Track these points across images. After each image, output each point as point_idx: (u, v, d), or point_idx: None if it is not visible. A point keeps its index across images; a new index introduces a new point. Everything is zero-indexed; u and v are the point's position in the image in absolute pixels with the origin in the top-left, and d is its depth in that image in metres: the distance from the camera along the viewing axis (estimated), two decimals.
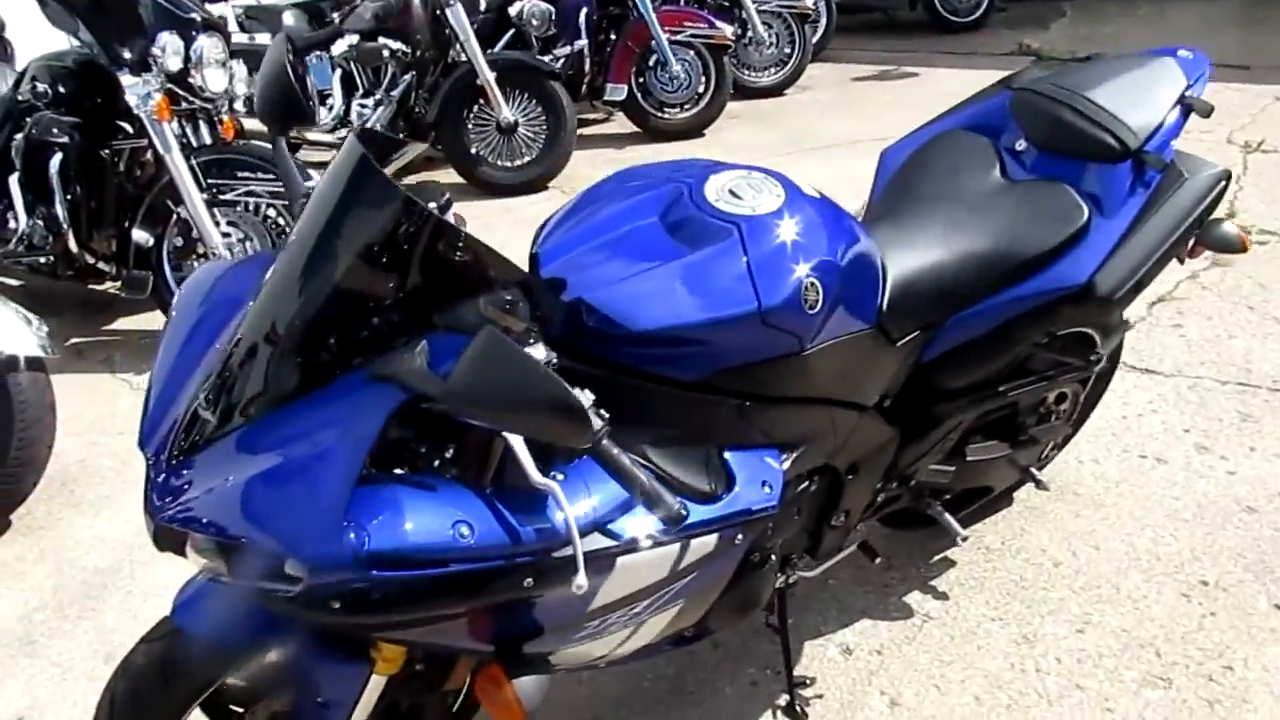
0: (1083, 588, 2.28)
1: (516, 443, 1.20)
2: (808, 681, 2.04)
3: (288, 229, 3.58)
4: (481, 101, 5.08)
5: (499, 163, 5.20)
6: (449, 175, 5.28)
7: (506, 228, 4.79)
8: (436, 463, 1.31)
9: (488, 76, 4.89)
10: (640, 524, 1.33)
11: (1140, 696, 1.99)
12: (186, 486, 1.23)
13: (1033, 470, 2.26)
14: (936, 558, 2.41)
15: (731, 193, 1.49)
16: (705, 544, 1.41)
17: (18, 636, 2.39)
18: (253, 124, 4.13)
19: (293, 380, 1.22)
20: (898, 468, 1.93)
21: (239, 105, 3.75)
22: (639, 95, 5.81)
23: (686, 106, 5.90)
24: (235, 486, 1.17)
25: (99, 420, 3.29)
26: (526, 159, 5.22)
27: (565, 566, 1.25)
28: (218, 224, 3.49)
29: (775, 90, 6.64)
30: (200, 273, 1.51)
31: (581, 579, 1.18)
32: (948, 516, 2.08)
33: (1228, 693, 1.98)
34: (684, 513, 1.26)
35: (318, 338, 1.22)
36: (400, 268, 1.20)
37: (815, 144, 5.65)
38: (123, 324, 4.04)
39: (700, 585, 1.48)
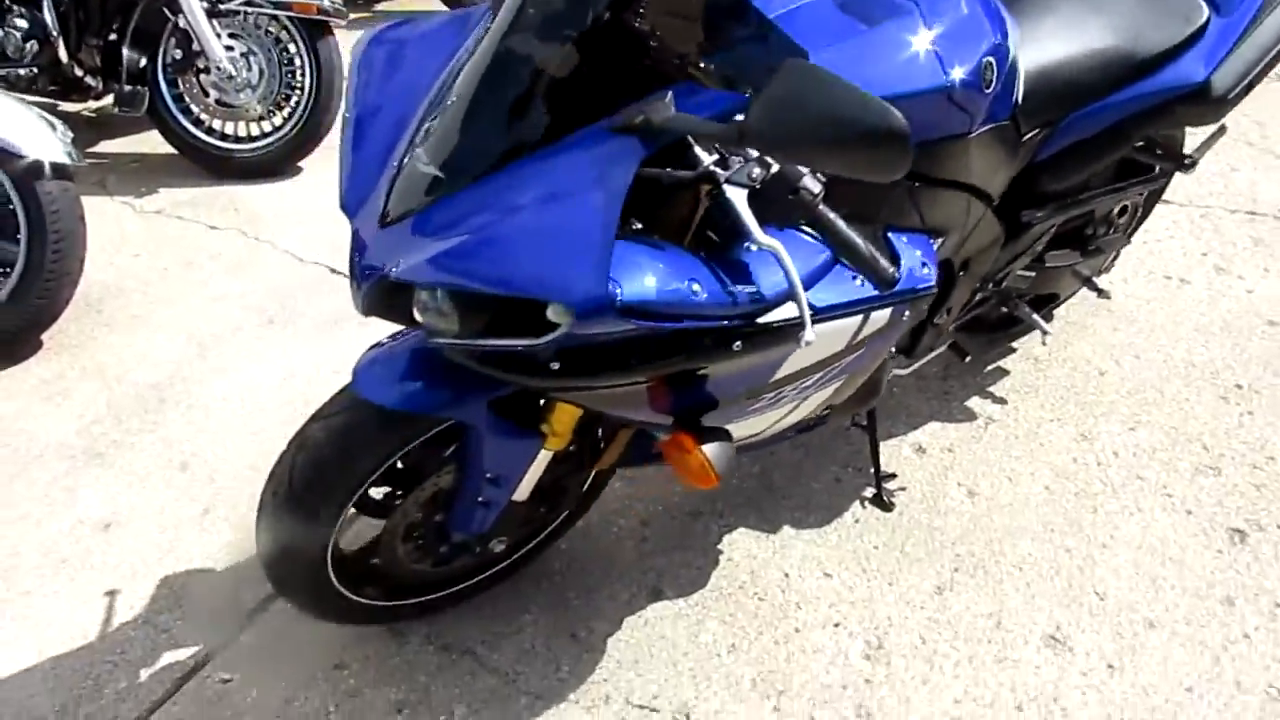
0: (1129, 392, 2.42)
1: (739, 202, 1.19)
2: (892, 475, 2.15)
3: (293, 44, 3.39)
4: None
5: None
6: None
7: None
8: (637, 226, 1.30)
9: None
10: (833, 292, 1.36)
11: (1195, 483, 2.15)
12: (413, 244, 1.20)
13: (1094, 279, 2.36)
14: (989, 367, 2.52)
15: None
16: (880, 318, 1.44)
17: (81, 449, 2.34)
18: None
19: (527, 134, 1.19)
20: (994, 269, 1.99)
21: None
22: None
23: None
24: (481, 239, 1.15)
25: (110, 242, 3.15)
26: None
27: (775, 329, 1.27)
28: (219, 36, 3.28)
29: None
30: (380, 32, 1.44)
31: (810, 333, 1.20)
32: (1035, 316, 2.16)
33: (1272, 478, 2.16)
34: (897, 276, 1.29)
35: (554, 90, 1.19)
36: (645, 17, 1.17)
37: None
38: (111, 146, 3.81)
39: (862, 362, 1.53)
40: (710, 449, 1.38)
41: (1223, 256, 2.96)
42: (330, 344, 2.66)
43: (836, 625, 1.87)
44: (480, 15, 1.36)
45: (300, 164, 3.55)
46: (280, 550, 1.54)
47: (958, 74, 1.39)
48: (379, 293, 1.27)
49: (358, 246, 1.27)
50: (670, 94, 1.15)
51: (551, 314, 1.12)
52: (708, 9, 1.20)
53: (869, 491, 2.15)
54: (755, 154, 1.19)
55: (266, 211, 3.32)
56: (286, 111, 3.47)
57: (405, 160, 1.25)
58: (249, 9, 3.27)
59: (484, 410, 1.46)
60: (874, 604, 1.91)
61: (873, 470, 2.11)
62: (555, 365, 1.24)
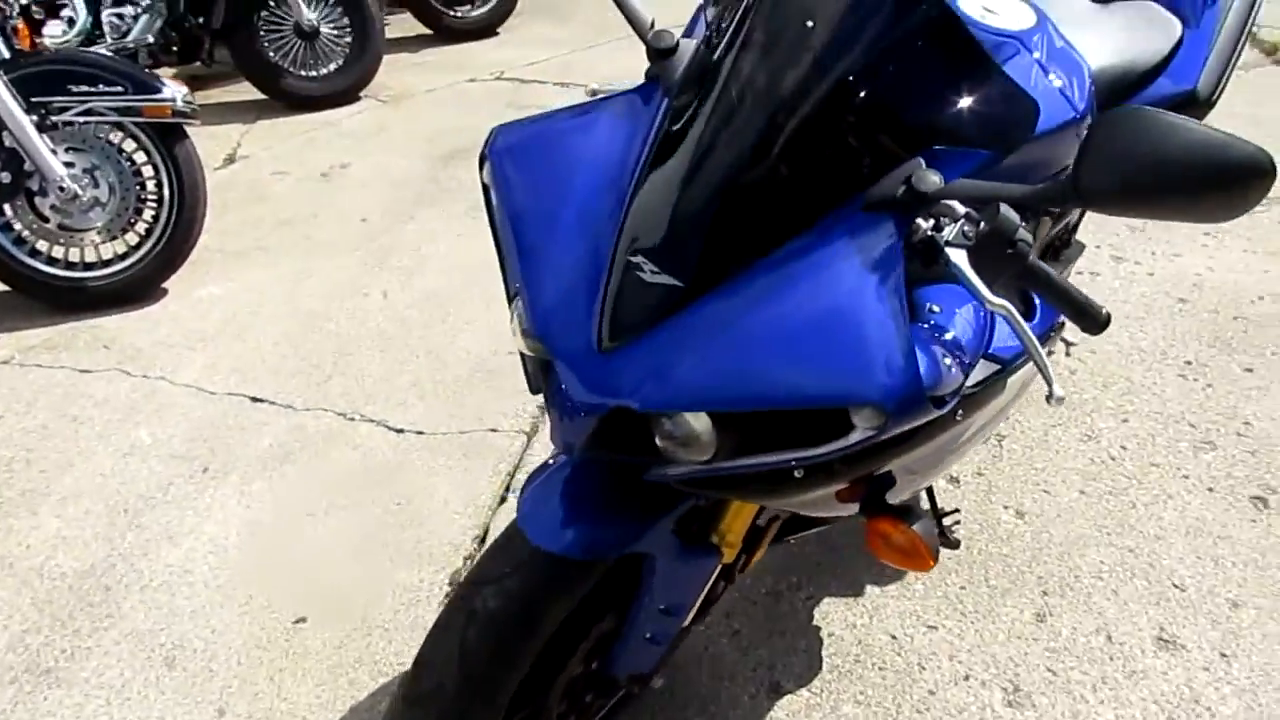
0: (1105, 385, 2.54)
1: (963, 264, 1.11)
2: (952, 511, 2.12)
3: (143, 153, 3.00)
4: (273, 4, 4.47)
5: (303, 73, 4.63)
6: (247, 91, 4.63)
7: (337, 141, 4.31)
8: None
9: None
10: (1008, 342, 1.30)
11: (1200, 460, 2.27)
12: (654, 366, 1.03)
13: None
14: None
15: (987, 9, 1.45)
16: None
17: (23, 667, 1.90)
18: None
19: (770, 227, 1.05)
20: None
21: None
22: None
23: (479, 3, 5.56)
24: (752, 349, 1.00)
25: None
26: (333, 66, 4.69)
27: (979, 394, 1.20)
28: (54, 152, 2.85)
29: None
30: (509, 136, 1.24)
31: (1059, 390, 1.13)
32: None
33: (1258, 442, 2.31)
34: (1108, 315, 1.25)
35: (789, 177, 1.06)
36: (907, 79, 1.07)
37: (616, 34, 5.54)
38: None
39: (1015, 401, 1.49)
40: (918, 528, 1.29)
41: (1114, 246, 3.19)
42: (285, 483, 2.33)
43: (966, 678, 1.80)
44: (645, 101, 1.21)
45: (165, 285, 3.14)
46: None
47: (1079, 103, 1.38)
48: (602, 426, 1.08)
49: (569, 377, 1.08)
50: (920, 161, 1.06)
51: (859, 419, 0.99)
52: (945, 70, 1.11)
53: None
54: (963, 210, 1.11)
55: (144, 344, 2.89)
56: (143, 229, 3.06)
57: (617, 273, 1.07)
58: (88, 119, 2.86)
59: (669, 535, 1.29)
60: (988, 646, 1.86)
61: (929, 510, 2.07)
62: (799, 474, 1.10)
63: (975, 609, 1.94)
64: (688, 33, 1.24)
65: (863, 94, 1.07)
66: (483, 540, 2.15)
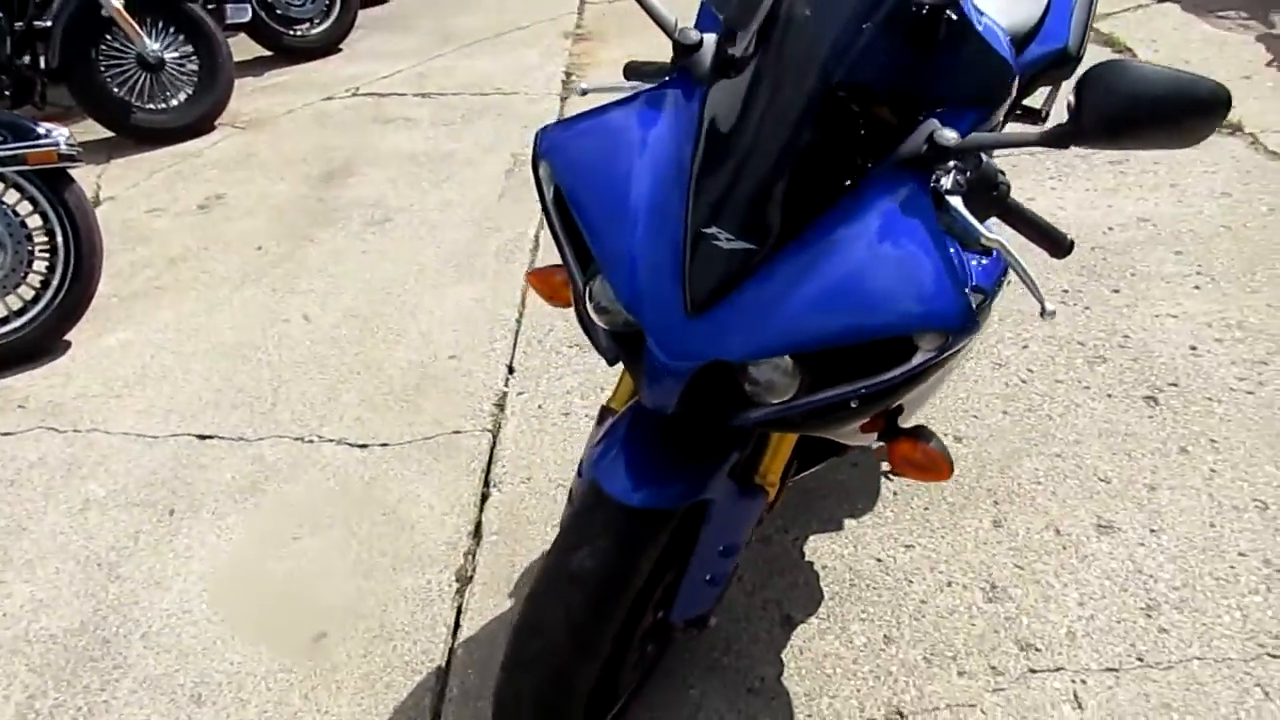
0: (1001, 318, 2.83)
1: (961, 207, 1.31)
2: None
3: (29, 202, 2.86)
4: (109, 36, 4.28)
5: (151, 106, 4.45)
6: (92, 130, 4.41)
7: (205, 172, 4.19)
8: None
9: (114, 2, 4.13)
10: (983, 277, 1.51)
11: (1094, 372, 2.60)
12: (740, 321, 1.17)
13: None
14: None
15: None
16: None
17: None
18: None
19: (819, 189, 1.20)
20: None
21: None
22: (264, 14, 5.26)
23: (317, 21, 5.47)
24: (825, 295, 1.15)
25: None
26: (183, 96, 4.53)
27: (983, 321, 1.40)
28: None
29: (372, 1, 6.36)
30: (559, 136, 1.33)
31: (1050, 305, 1.34)
32: None
33: (1137, 350, 2.66)
34: (1072, 241, 1.47)
35: (825, 144, 1.21)
36: (912, 53, 1.23)
37: (462, 40, 5.59)
38: None
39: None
40: (933, 445, 1.47)
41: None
42: (261, 513, 2.32)
43: (949, 584, 2.03)
44: (681, 91, 1.32)
45: (67, 337, 3.01)
46: (547, 708, 1.38)
47: (1013, 63, 1.60)
48: (690, 384, 1.21)
49: (664, 342, 1.20)
50: (935, 121, 1.23)
51: (924, 342, 1.16)
52: (941, 42, 1.29)
53: (885, 466, 2.33)
54: (954, 162, 1.30)
55: (63, 399, 2.77)
56: (38, 281, 2.92)
57: (692, 243, 1.19)
58: None
59: (726, 480, 1.43)
60: (960, 555, 2.09)
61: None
62: (854, 404, 1.26)
63: (941, 525, 2.17)
64: (700, 27, 1.37)
65: (879, 69, 1.23)
66: (476, 535, 2.22)
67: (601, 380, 2.69)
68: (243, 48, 5.49)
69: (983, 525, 2.16)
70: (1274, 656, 1.85)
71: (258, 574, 2.16)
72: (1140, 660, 1.86)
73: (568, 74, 4.97)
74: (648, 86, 1.39)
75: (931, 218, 1.19)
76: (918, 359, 1.18)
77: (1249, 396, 2.48)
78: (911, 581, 2.04)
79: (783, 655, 1.90)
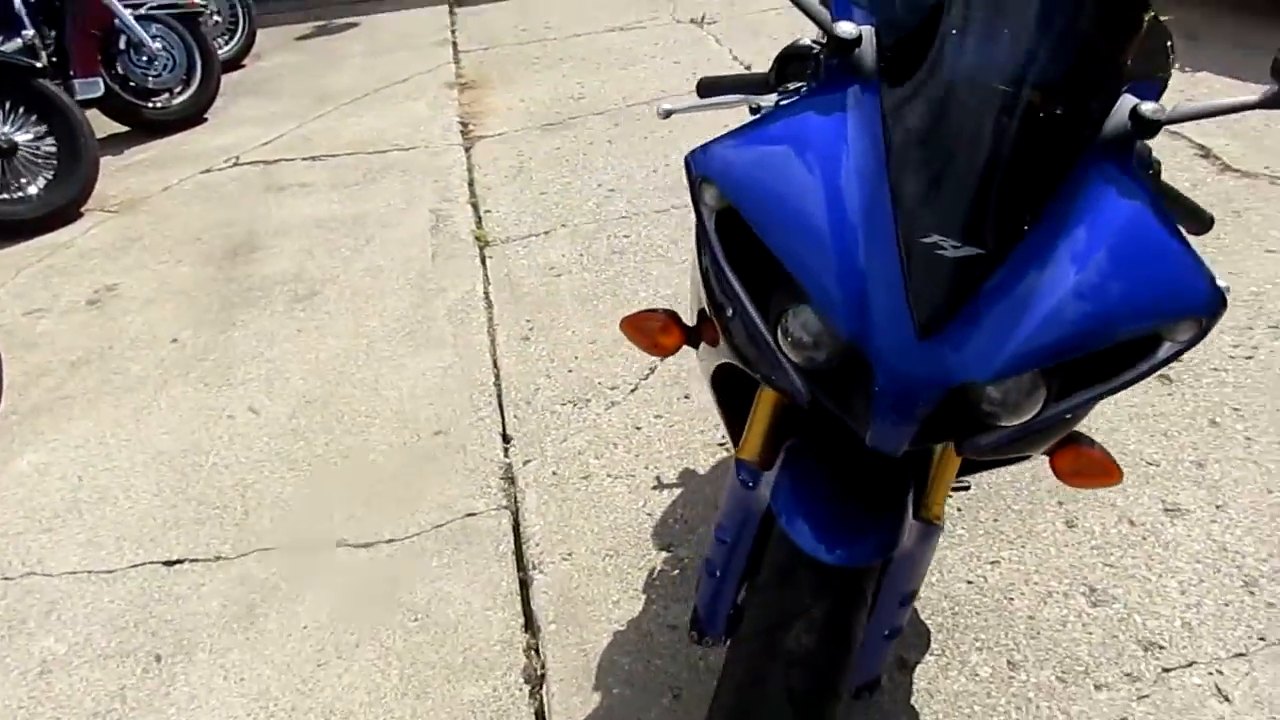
0: None
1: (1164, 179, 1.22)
2: None
3: None
4: None
5: (6, 196, 3.97)
6: None
7: (84, 263, 3.74)
8: None
9: None
10: None
11: None
12: (978, 337, 1.03)
13: None
14: None
15: None
16: None
17: None
18: None
19: (1034, 184, 1.08)
20: None
21: None
22: (118, 87, 4.82)
23: (177, 91, 5.06)
24: (1073, 299, 1.02)
25: None
26: (42, 183, 4.07)
27: None
28: None
29: (234, 64, 5.96)
30: (721, 157, 1.16)
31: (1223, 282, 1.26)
32: None
33: None
34: (1212, 218, 1.40)
35: (1033, 135, 1.09)
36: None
37: (339, 99, 5.29)
38: None
39: None
40: (1098, 450, 1.38)
41: None
42: (271, 641, 2.01)
43: (1049, 595, 1.93)
44: (847, 91, 1.17)
45: None
46: None
47: None
48: (926, 417, 1.06)
49: (899, 370, 1.04)
50: (1130, 97, 1.13)
51: (1176, 333, 1.05)
52: (1122, 20, 1.19)
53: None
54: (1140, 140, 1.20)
55: None
56: None
57: (912, 259, 1.04)
58: None
59: (912, 522, 1.28)
60: (1047, 561, 2.01)
61: None
62: (1069, 415, 1.15)
63: (1017, 534, 2.08)
64: (839, 15, 1.22)
65: (1073, 53, 1.13)
66: (529, 628, 1.98)
67: (612, 436, 2.49)
68: (96, 125, 5.02)
69: (1057, 528, 2.09)
70: None
71: (288, 711, 1.85)
72: (1263, 640, 1.80)
73: (464, 124, 4.75)
74: (799, 87, 1.25)
75: (1153, 199, 1.09)
76: (1166, 350, 1.07)
77: (1249, 362, 2.52)
78: (1011, 599, 1.93)
79: (913, 703, 1.76)
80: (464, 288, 3.28)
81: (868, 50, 1.17)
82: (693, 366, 2.72)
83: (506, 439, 2.54)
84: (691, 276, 1.72)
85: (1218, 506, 2.10)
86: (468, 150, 4.45)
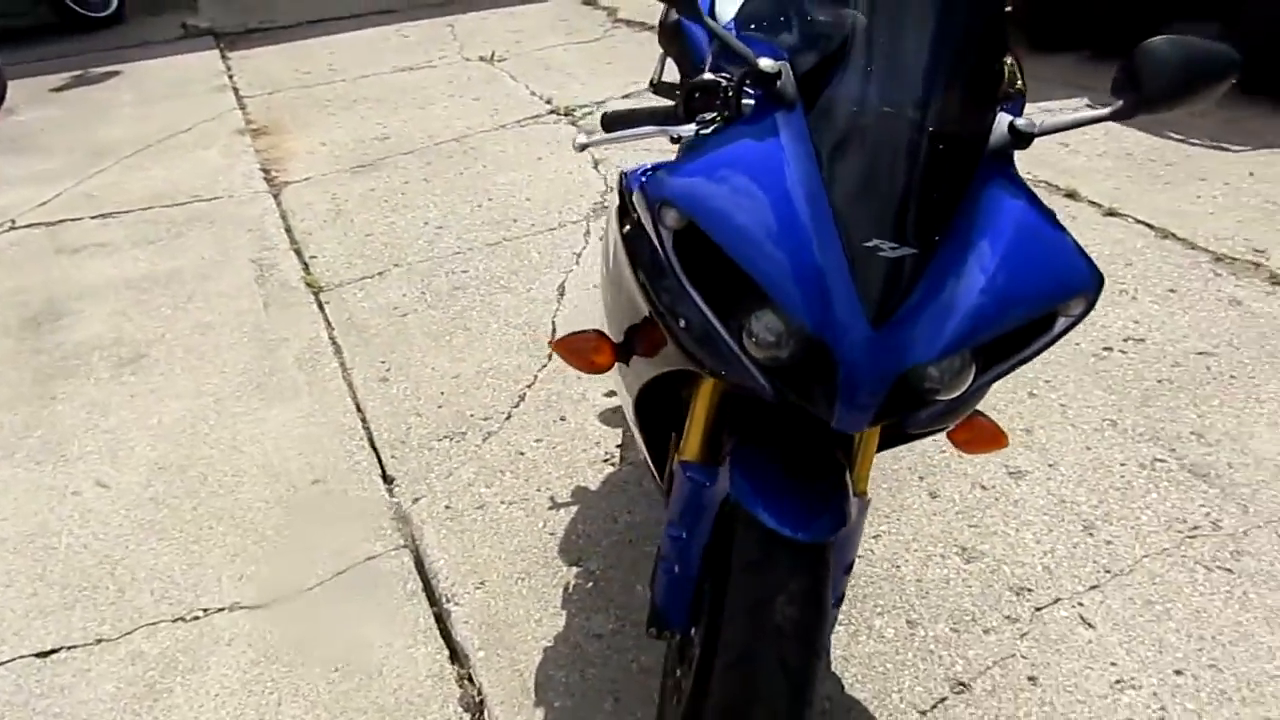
0: None
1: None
2: None
3: None
4: None
5: None
6: None
7: None
8: None
9: None
10: None
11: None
12: (919, 325, 1.19)
13: None
14: None
15: None
16: None
17: None
18: None
19: (943, 188, 1.25)
20: None
21: None
22: None
23: None
24: (991, 286, 1.20)
25: None
26: None
27: None
28: None
29: None
30: (674, 181, 1.27)
31: None
32: None
33: None
34: None
35: (936, 146, 1.25)
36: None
37: (120, 153, 4.96)
38: None
39: None
40: (986, 420, 1.59)
41: None
42: (176, 713, 1.90)
43: (930, 558, 2.16)
44: (775, 116, 1.30)
45: None
46: None
47: None
48: (891, 396, 1.21)
49: (860, 361, 1.18)
50: (1004, 115, 1.33)
51: (1069, 309, 1.25)
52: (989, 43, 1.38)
53: None
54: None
55: None
56: None
57: (859, 260, 1.19)
58: None
59: (852, 497, 1.43)
60: (924, 530, 2.23)
61: None
62: (983, 388, 1.35)
63: (891, 509, 2.30)
64: (759, 53, 1.35)
65: (959, 80, 1.31)
66: (455, 659, 1.99)
67: (497, 465, 2.52)
68: None
69: (923, 499, 2.33)
70: (1192, 537, 2.18)
71: None
72: (1109, 572, 2.10)
73: (266, 170, 4.59)
74: (714, 117, 1.37)
75: (1035, 199, 1.29)
76: (1061, 325, 1.27)
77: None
78: (899, 566, 2.14)
79: (834, 670, 1.91)
80: (307, 335, 3.19)
81: (788, 82, 1.32)
82: (562, 390, 2.80)
83: (389, 480, 2.52)
84: (608, 297, 1.82)
85: (1050, 465, 2.41)
86: (276, 197, 4.31)
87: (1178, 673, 1.88)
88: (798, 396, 1.27)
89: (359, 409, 2.80)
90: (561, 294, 3.33)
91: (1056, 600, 2.04)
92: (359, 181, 4.40)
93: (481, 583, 2.17)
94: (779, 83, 1.32)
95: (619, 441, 2.59)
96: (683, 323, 1.35)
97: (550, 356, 2.95)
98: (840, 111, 1.28)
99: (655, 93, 2.60)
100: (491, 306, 3.28)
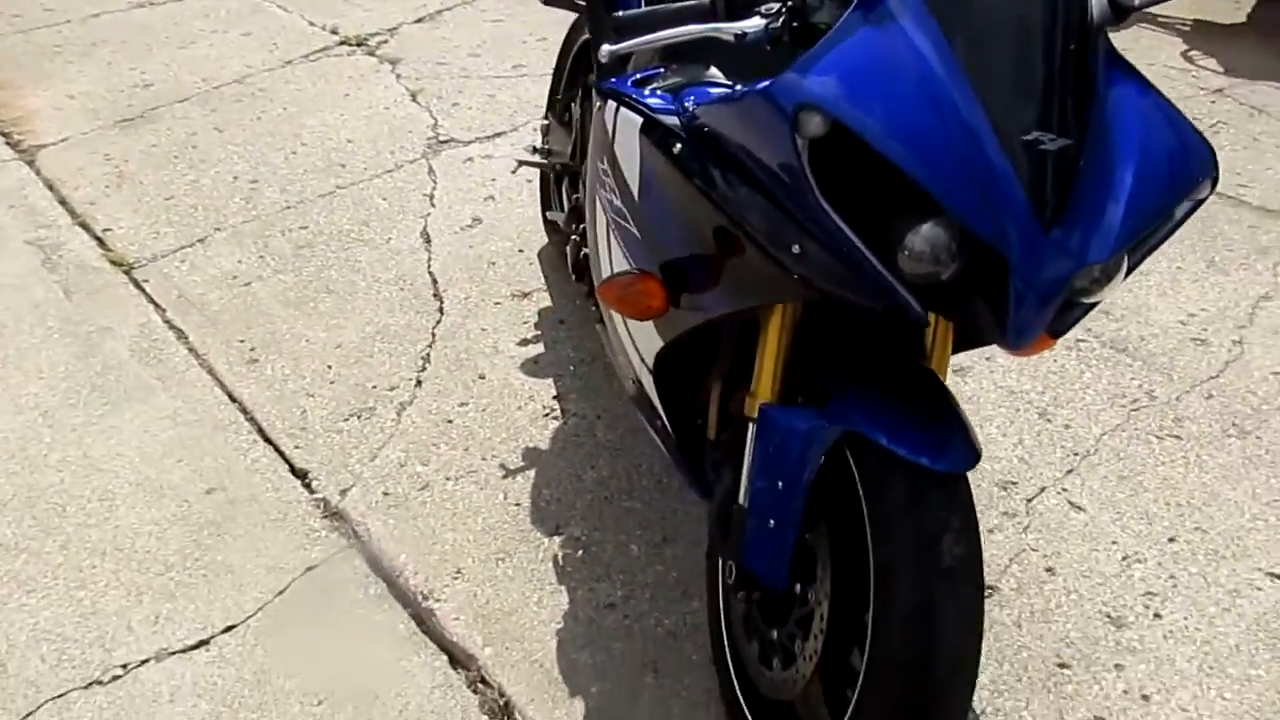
0: None
1: None
2: None
3: None
4: None
5: None
6: None
7: None
8: None
9: None
10: None
11: None
12: (1087, 224, 1.10)
13: None
14: None
15: None
16: None
17: None
18: None
19: (1079, 74, 1.14)
20: None
21: None
22: None
23: None
24: (1140, 176, 1.12)
25: None
26: None
27: None
28: None
29: None
30: (814, 79, 1.09)
31: None
32: None
33: None
34: None
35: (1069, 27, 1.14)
36: None
37: None
38: None
39: None
40: None
41: None
42: None
43: None
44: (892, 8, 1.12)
45: None
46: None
47: None
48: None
49: (1030, 267, 1.06)
50: None
51: (1193, 195, 1.21)
52: None
53: None
54: None
55: None
56: None
57: (1020, 156, 1.06)
58: None
59: None
60: None
61: None
62: None
63: None
64: None
65: None
66: (455, 664, 1.74)
67: (425, 438, 2.23)
68: None
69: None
70: (1136, 410, 2.28)
71: None
72: (1077, 454, 2.16)
73: (6, 135, 3.83)
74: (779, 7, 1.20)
75: (1146, 79, 1.22)
76: (1184, 210, 1.23)
77: None
78: None
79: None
80: (134, 321, 2.68)
81: None
82: (469, 345, 2.52)
83: (301, 474, 2.16)
84: (634, 232, 1.56)
85: (987, 359, 2.43)
86: (31, 164, 3.61)
87: (1171, 540, 1.96)
88: (953, 315, 1.14)
89: (233, 398, 2.39)
90: (428, 240, 3.00)
91: (1042, 490, 2.07)
92: (132, 138, 3.77)
93: (458, 572, 1.91)
94: None
95: (554, 392, 2.37)
96: (797, 248, 1.17)
97: (441, 310, 2.66)
98: None
99: (546, 3, 2.34)
100: (351, 263, 2.91)
